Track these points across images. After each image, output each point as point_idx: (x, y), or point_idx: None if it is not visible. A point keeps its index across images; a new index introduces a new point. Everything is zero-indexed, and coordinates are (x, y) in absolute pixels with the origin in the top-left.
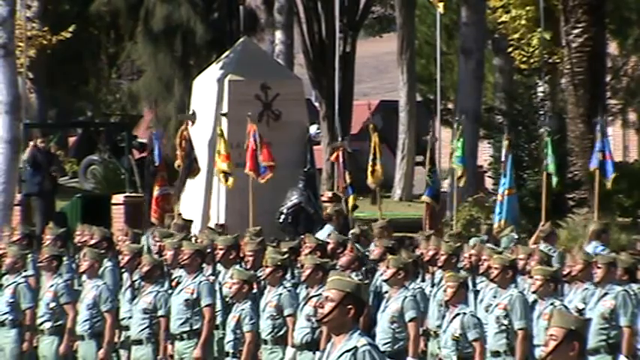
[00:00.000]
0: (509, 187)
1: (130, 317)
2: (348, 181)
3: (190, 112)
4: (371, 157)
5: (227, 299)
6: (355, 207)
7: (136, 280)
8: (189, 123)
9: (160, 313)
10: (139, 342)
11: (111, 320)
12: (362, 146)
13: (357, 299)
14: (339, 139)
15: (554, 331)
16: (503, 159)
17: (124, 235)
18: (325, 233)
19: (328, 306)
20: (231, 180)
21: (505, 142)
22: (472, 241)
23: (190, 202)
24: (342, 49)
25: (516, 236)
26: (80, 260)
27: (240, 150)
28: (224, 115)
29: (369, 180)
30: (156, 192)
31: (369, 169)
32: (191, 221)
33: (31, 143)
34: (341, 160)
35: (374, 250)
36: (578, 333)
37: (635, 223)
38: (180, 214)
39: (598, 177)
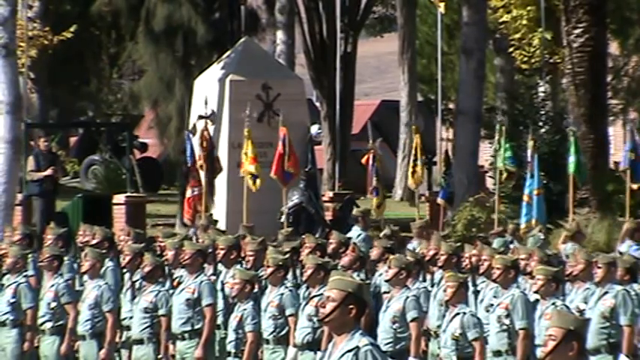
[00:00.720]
0: (538, 188)
1: (131, 317)
2: (374, 184)
3: (210, 112)
4: (412, 158)
5: (229, 299)
6: (357, 206)
7: (137, 280)
8: (210, 122)
9: (161, 312)
10: (139, 341)
11: (112, 320)
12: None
13: (358, 299)
14: (371, 141)
15: (553, 331)
16: (529, 159)
17: (126, 235)
18: (353, 234)
19: (330, 306)
20: (258, 182)
21: (530, 143)
22: (497, 242)
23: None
24: (343, 49)
25: (542, 236)
26: (82, 260)
27: (241, 150)
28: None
29: (410, 181)
30: (188, 192)
31: (410, 170)
32: (217, 221)
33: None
34: (371, 162)
35: (373, 251)
36: (577, 333)
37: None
38: (209, 214)
39: (629, 177)
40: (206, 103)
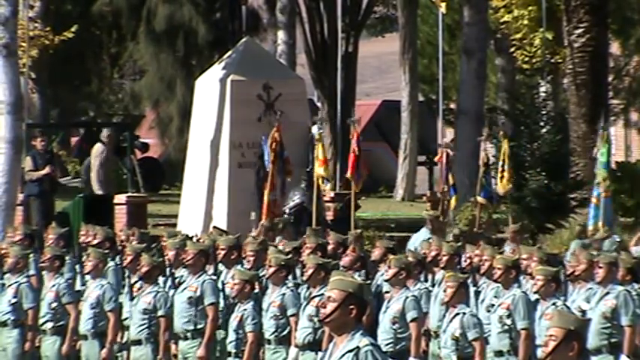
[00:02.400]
0: (605, 190)
1: (131, 317)
2: (451, 182)
3: (279, 114)
4: (500, 162)
5: (229, 299)
6: (358, 207)
7: (136, 282)
8: (279, 124)
9: (160, 313)
10: (138, 342)
11: (114, 319)
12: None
13: (359, 299)
14: (445, 140)
15: (553, 332)
16: (597, 166)
17: (131, 236)
18: (421, 237)
19: (330, 306)
20: (329, 185)
21: (595, 150)
22: (574, 245)
23: (192, 202)
24: (344, 49)
25: (618, 238)
26: (85, 260)
27: (243, 150)
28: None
29: (499, 186)
30: (266, 197)
31: (499, 175)
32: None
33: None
34: (444, 160)
35: (374, 251)
36: (578, 333)
37: (638, 223)
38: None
39: None
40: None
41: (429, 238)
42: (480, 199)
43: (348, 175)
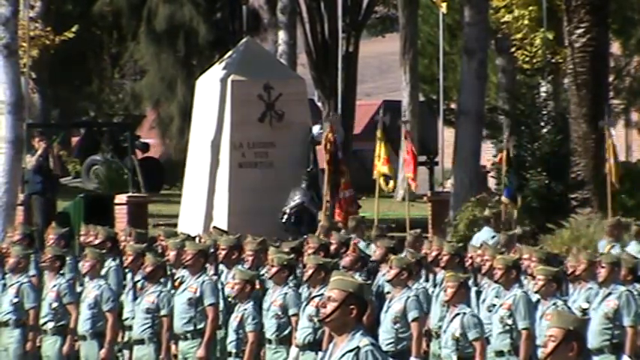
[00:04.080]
0: None
1: (133, 317)
2: (506, 182)
3: (334, 116)
4: (612, 157)
5: (229, 299)
6: (358, 206)
7: (138, 281)
8: (333, 125)
9: (163, 312)
10: (140, 342)
11: (112, 320)
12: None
13: (359, 299)
14: (505, 140)
15: (552, 332)
16: None
17: (127, 235)
18: (484, 236)
19: (330, 306)
20: (391, 183)
21: None
22: (632, 246)
23: (193, 202)
24: (344, 49)
25: None
26: (82, 260)
27: (243, 150)
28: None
29: (614, 178)
30: (340, 195)
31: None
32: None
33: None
34: (504, 161)
35: (375, 251)
36: (577, 333)
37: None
38: (360, 216)
39: None
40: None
41: (494, 236)
42: (503, 198)
43: (411, 175)
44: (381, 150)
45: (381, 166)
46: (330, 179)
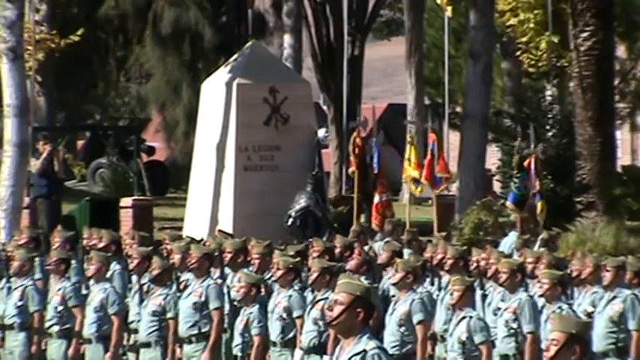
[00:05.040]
0: None
1: (138, 320)
2: (537, 187)
3: (361, 120)
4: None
5: (235, 302)
6: (363, 210)
7: (144, 284)
8: (361, 130)
9: (169, 315)
10: (147, 345)
11: (118, 323)
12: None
13: (366, 302)
14: (532, 146)
15: (555, 336)
16: None
17: (131, 239)
18: (511, 240)
19: (337, 309)
20: (420, 187)
21: None
22: None
23: (199, 205)
24: (350, 52)
25: None
26: (88, 263)
27: (249, 153)
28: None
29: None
30: (376, 199)
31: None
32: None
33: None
34: (533, 166)
35: (382, 254)
36: (580, 336)
37: None
38: (396, 219)
39: None
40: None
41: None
42: (508, 204)
43: (422, 179)
44: (411, 154)
45: (411, 170)
46: (359, 183)
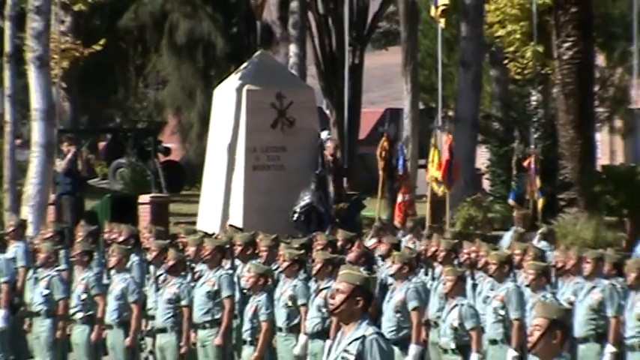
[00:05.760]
0: None
1: (155, 308)
2: (538, 185)
3: (387, 126)
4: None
5: (245, 291)
6: (363, 207)
7: (161, 274)
8: (389, 135)
9: (183, 303)
10: (163, 330)
11: (137, 310)
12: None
13: (365, 292)
14: (532, 146)
15: (538, 322)
16: None
17: (148, 233)
18: (510, 234)
19: (339, 297)
20: (442, 187)
21: None
22: None
23: (211, 202)
24: (351, 61)
25: None
26: (109, 255)
27: (257, 154)
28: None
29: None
30: (399, 198)
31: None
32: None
33: (70, 155)
34: (532, 165)
35: (381, 247)
36: (561, 322)
37: (621, 222)
38: (417, 218)
39: None
40: (385, 121)
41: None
42: (510, 201)
43: (439, 177)
44: (434, 156)
45: (434, 171)
46: (384, 184)
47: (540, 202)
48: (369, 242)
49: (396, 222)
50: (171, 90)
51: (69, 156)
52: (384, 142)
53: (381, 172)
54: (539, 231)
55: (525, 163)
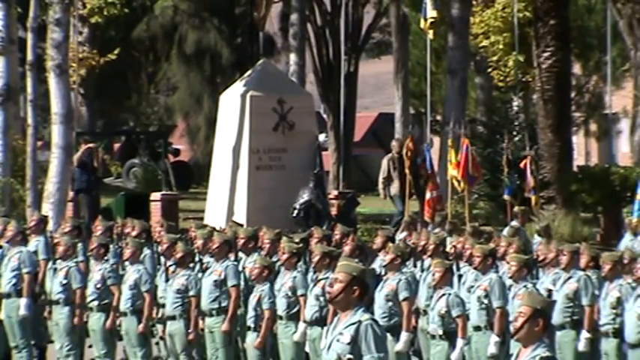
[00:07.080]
0: None
1: (165, 297)
2: (532, 184)
3: (412, 128)
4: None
5: (249, 281)
6: (358, 203)
7: (170, 265)
8: (413, 136)
9: (191, 293)
10: (172, 318)
11: (149, 299)
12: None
13: (361, 282)
14: (527, 149)
15: (522, 309)
16: None
17: (160, 227)
18: (506, 229)
19: (337, 287)
20: (462, 184)
21: None
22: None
23: (217, 199)
24: (346, 69)
25: None
26: (123, 248)
27: (260, 155)
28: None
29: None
30: (428, 195)
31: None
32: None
33: (83, 148)
34: (528, 166)
35: (377, 239)
36: (544, 311)
37: (596, 218)
38: (445, 213)
39: None
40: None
41: (519, 229)
42: (505, 197)
43: (459, 176)
44: (452, 156)
45: (452, 170)
46: (410, 182)
47: (533, 199)
48: (400, 235)
49: (426, 217)
50: (180, 96)
51: (82, 149)
52: (409, 143)
53: (407, 171)
54: (540, 225)
55: (522, 164)
